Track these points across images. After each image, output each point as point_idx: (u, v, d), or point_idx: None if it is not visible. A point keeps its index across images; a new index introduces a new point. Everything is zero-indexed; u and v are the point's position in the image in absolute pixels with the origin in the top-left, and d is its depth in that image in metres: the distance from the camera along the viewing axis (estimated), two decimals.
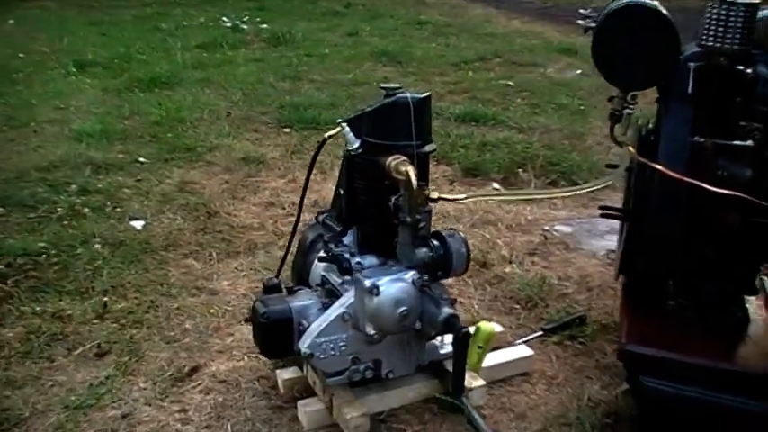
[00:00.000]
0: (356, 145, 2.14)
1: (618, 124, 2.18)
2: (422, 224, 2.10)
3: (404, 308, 2.07)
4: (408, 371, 2.33)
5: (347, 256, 2.19)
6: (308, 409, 2.27)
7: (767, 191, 1.94)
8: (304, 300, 2.23)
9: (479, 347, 2.37)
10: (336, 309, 2.14)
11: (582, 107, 5.87)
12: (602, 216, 2.43)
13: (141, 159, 4.47)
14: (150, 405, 2.37)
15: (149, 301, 2.94)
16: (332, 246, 2.23)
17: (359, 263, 2.18)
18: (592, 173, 4.45)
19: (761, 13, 1.99)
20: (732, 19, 1.95)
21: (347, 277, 2.21)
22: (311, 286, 2.37)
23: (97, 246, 3.36)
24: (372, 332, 2.09)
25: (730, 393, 1.97)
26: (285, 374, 2.43)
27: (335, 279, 2.27)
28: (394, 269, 2.14)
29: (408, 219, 2.06)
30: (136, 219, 3.69)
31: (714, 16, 1.98)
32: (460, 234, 2.23)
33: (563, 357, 2.70)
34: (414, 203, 2.04)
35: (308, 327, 2.15)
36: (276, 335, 2.18)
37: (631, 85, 2.13)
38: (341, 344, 2.15)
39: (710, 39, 1.99)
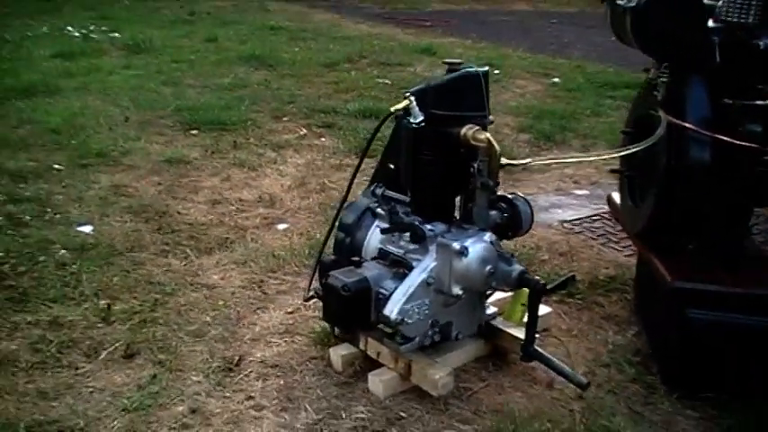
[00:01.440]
0: (421, 118, 2.21)
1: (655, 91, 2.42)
2: (497, 188, 2.21)
3: (490, 266, 2.18)
4: (472, 331, 2.43)
5: (418, 224, 2.25)
6: (383, 378, 2.30)
7: None
8: (375, 270, 2.27)
9: (522, 305, 2.52)
10: (419, 274, 2.20)
11: None
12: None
13: (56, 166, 4.19)
14: (213, 397, 2.29)
15: (152, 300, 2.82)
16: (401, 215, 2.28)
17: (431, 229, 2.25)
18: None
19: None
20: None
21: (415, 246, 2.27)
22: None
23: (62, 252, 3.14)
24: (460, 292, 2.17)
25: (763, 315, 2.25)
26: (341, 351, 2.44)
27: (397, 249, 2.33)
28: (470, 232, 2.24)
29: (490, 182, 2.16)
30: (82, 224, 3.49)
31: None
32: (524, 197, 2.37)
33: (569, 313, 2.92)
34: (496, 167, 2.15)
35: (389, 295, 2.19)
36: (357, 306, 2.20)
37: (667, 57, 2.38)
38: (424, 308, 2.21)
39: (732, 14, 2.28)
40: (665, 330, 2.44)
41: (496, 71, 6.93)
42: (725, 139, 2.21)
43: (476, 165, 2.16)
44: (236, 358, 2.46)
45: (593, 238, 3.65)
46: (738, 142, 2.20)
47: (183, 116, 5.20)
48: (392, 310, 2.15)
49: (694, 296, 2.26)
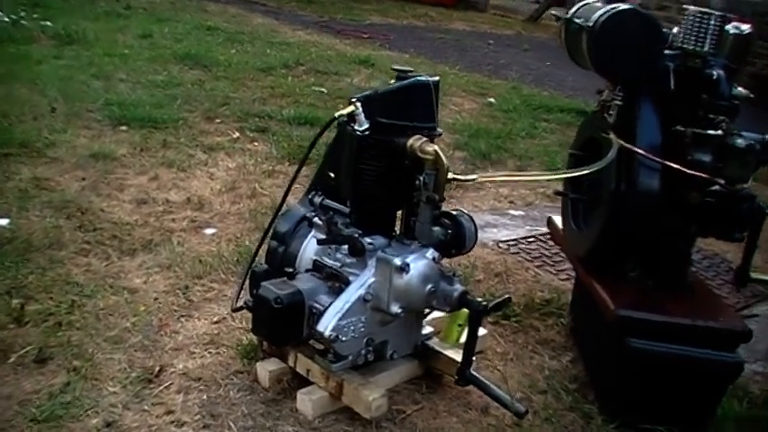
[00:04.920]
0: (366, 126, 2.11)
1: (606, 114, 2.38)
2: (442, 203, 2.12)
3: (431, 285, 2.09)
4: (408, 351, 2.33)
5: (357, 236, 2.15)
6: (312, 397, 2.18)
7: (724, 173, 2.24)
8: (309, 283, 2.15)
9: (459, 326, 2.44)
10: (356, 289, 2.09)
11: None
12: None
13: None
14: (130, 410, 2.13)
15: (68, 302, 2.62)
16: (340, 227, 2.17)
17: (371, 243, 2.15)
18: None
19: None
20: (707, 26, 2.24)
21: (353, 259, 2.17)
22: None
23: None
24: (398, 310, 2.07)
25: (709, 347, 2.23)
26: (269, 366, 2.31)
27: (334, 262, 2.21)
28: (412, 247, 2.14)
29: (436, 197, 2.07)
30: None
31: (691, 23, 2.25)
32: (468, 214, 2.29)
33: (505, 336, 2.85)
34: (443, 182, 2.06)
35: (324, 310, 2.08)
36: (289, 320, 2.08)
37: (621, 79, 2.34)
38: (360, 325, 2.11)
39: (688, 41, 2.25)
40: (605, 359, 2.40)
41: None
42: (675, 167, 2.18)
43: (422, 178, 2.06)
44: (157, 369, 2.31)
45: (529, 260, 3.61)
46: (689, 171, 2.16)
47: (113, 111, 4.97)
48: (326, 326, 2.04)
49: (637, 325, 2.23)
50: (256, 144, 4.92)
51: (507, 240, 3.84)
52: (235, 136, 4.98)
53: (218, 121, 5.27)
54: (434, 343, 2.43)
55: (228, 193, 3.96)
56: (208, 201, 3.81)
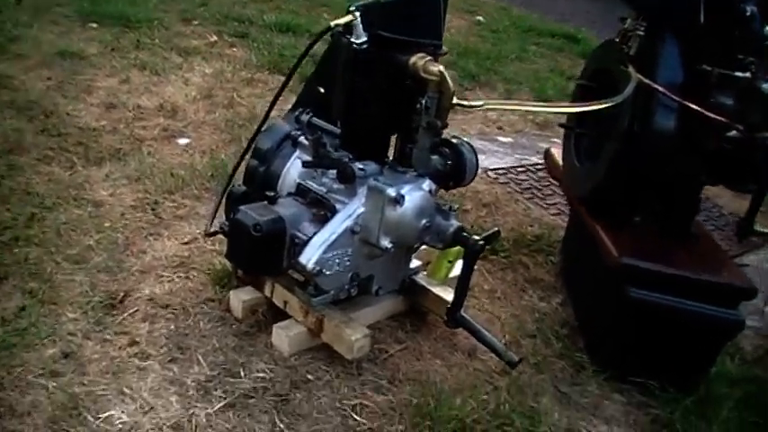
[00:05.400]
0: (364, 38, 1.87)
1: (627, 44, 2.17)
2: (443, 129, 1.92)
3: (426, 219, 1.90)
4: (394, 287, 2.17)
5: (347, 160, 1.94)
6: (290, 333, 2.01)
7: (746, 119, 2.06)
8: (291, 209, 1.95)
9: (449, 262, 2.27)
10: (343, 220, 1.90)
11: None
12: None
13: None
14: (91, 339, 1.95)
15: (27, 215, 2.42)
16: (329, 149, 1.96)
17: (362, 169, 1.95)
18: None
19: None
20: None
21: (340, 185, 1.97)
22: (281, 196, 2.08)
23: None
24: (389, 245, 1.89)
25: (710, 303, 2.09)
26: (243, 295, 2.14)
27: (319, 187, 2.01)
28: (407, 176, 1.95)
29: (438, 123, 1.86)
30: None
31: None
32: (469, 143, 2.09)
33: (493, 272, 2.70)
34: (446, 107, 1.85)
35: (307, 240, 1.89)
36: (268, 249, 1.88)
37: (645, 8, 2.13)
38: (345, 259, 1.93)
39: None
40: (601, 306, 2.26)
41: None
42: (696, 108, 1.99)
43: (423, 101, 1.84)
44: (121, 293, 2.13)
45: (519, 192, 3.44)
46: (709, 114, 1.97)
47: (83, 6, 4.64)
48: (309, 258, 1.85)
49: (639, 274, 2.08)
50: (235, 50, 4.64)
51: (497, 169, 3.66)
52: (212, 40, 4.68)
53: (196, 23, 4.96)
54: (421, 278, 2.27)
55: (204, 101, 3.71)
56: (182, 108, 3.57)
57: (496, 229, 2.44)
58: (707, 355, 2.18)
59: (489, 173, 3.58)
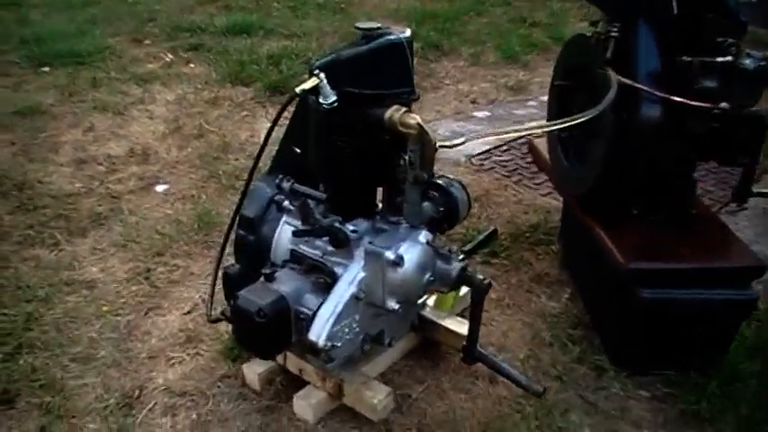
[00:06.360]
0: (333, 98, 1.81)
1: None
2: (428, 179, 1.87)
3: (429, 273, 1.87)
4: (405, 332, 2.15)
5: (338, 225, 1.90)
6: (311, 401, 2.00)
7: (731, 97, 2.02)
8: (291, 283, 1.91)
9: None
10: (345, 289, 1.87)
11: (342, 5, 5.71)
12: None
13: None
14: None
15: (24, 315, 2.37)
16: (317, 216, 1.91)
17: (354, 231, 1.90)
18: None
19: None
20: None
21: (328, 248, 1.93)
22: (275, 264, 2.04)
23: None
24: (396, 306, 1.86)
25: (722, 288, 2.08)
26: (257, 368, 2.11)
27: (314, 251, 1.98)
28: (402, 231, 1.91)
29: (425, 176, 1.82)
30: None
31: None
32: (458, 180, 2.04)
33: (497, 276, 2.68)
34: (430, 157, 1.81)
35: (312, 315, 1.86)
36: (276, 332, 1.85)
37: (618, 10, 2.07)
38: (354, 326, 1.90)
39: None
40: (614, 309, 2.25)
41: None
42: (679, 100, 1.96)
43: (406, 157, 1.80)
44: (136, 390, 2.09)
45: (506, 176, 3.41)
46: (693, 103, 1.94)
47: (32, 50, 4.49)
48: (320, 335, 1.82)
49: (648, 276, 2.07)
50: (192, 66, 4.53)
51: (479, 154, 3.62)
52: (168, 59, 4.58)
53: (148, 42, 4.84)
54: (430, 313, 2.24)
55: (173, 136, 3.64)
56: (152, 149, 3.50)
57: (493, 228, 2.42)
58: (725, 337, 2.18)
59: (473, 160, 3.54)
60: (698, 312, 2.09)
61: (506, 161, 3.52)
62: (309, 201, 1.96)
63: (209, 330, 2.32)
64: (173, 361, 2.21)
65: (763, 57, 2.01)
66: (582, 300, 2.53)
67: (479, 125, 3.97)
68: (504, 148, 3.67)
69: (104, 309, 2.40)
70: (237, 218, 2.07)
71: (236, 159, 3.41)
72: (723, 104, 2.01)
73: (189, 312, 2.41)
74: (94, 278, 2.57)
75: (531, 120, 4.12)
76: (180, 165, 3.36)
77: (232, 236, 2.04)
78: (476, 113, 4.12)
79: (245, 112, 3.95)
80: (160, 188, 3.17)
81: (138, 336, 2.30)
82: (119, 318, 2.37)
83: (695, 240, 2.17)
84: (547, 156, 2.62)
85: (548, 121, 2.55)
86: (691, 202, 2.29)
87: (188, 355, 2.23)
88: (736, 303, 2.10)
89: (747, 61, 1.98)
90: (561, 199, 2.85)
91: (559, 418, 2.04)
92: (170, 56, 4.59)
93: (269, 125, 1.87)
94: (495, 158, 3.55)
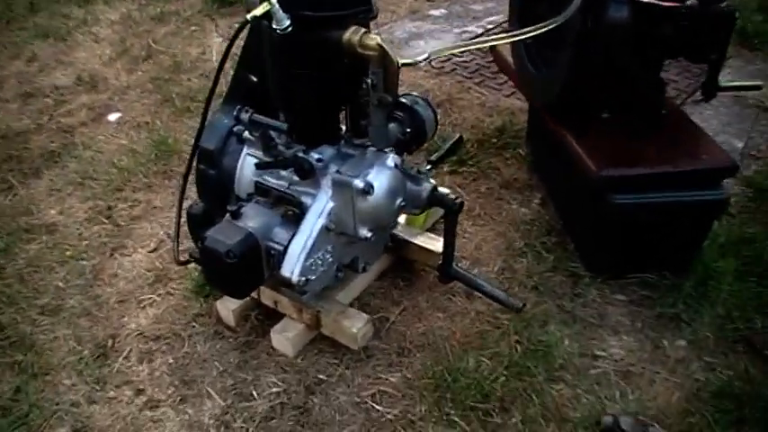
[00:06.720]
0: (287, 23, 1.69)
1: None
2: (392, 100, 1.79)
3: (400, 198, 1.82)
4: (379, 256, 2.11)
5: (302, 154, 1.83)
6: (289, 335, 1.98)
7: None
8: (259, 219, 1.85)
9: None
10: (314, 221, 1.81)
11: None
12: None
13: None
14: (97, 402, 1.90)
15: None
16: (281, 148, 1.84)
17: (320, 159, 1.83)
18: None
19: None
20: None
21: (294, 178, 1.86)
22: (240, 198, 1.98)
23: None
24: (368, 234, 1.82)
25: (695, 189, 2.06)
26: (231, 305, 2.07)
27: (279, 182, 1.90)
28: (369, 156, 1.84)
29: (389, 98, 1.73)
30: None
31: None
32: (423, 98, 1.96)
33: (464, 185, 2.65)
34: (394, 79, 1.72)
35: (284, 249, 1.80)
36: (247, 270, 1.80)
37: None
38: (327, 256, 1.86)
39: None
40: (586, 215, 2.22)
41: None
42: (647, 1, 1.88)
43: (369, 80, 1.71)
44: (109, 338, 2.04)
45: (468, 77, 3.32)
46: (664, 3, 1.87)
47: None
48: (292, 271, 1.78)
49: (620, 182, 2.04)
50: None
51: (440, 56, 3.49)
52: None
53: None
54: (401, 231, 2.21)
55: (121, 59, 3.47)
56: (101, 75, 3.34)
57: (459, 135, 2.36)
58: (697, 236, 2.18)
59: (433, 63, 3.43)
60: (671, 214, 2.08)
61: (467, 62, 3.43)
62: (271, 131, 1.87)
63: (177, 268, 2.25)
64: (143, 303, 2.16)
65: None
66: (553, 205, 2.51)
67: (437, 24, 3.83)
68: (463, 48, 3.55)
69: (68, 254, 2.32)
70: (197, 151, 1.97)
71: (189, 80, 3.27)
72: (691, 2, 1.93)
73: (155, 250, 2.35)
74: (54, 221, 2.48)
75: (490, 15, 4.00)
76: (131, 90, 3.21)
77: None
78: (432, 12, 3.98)
79: (193, 27, 3.77)
80: (112, 117, 3.04)
81: (105, 280, 2.24)
82: (84, 262, 2.30)
83: (666, 142, 2.13)
84: (510, 60, 2.53)
85: (510, 23, 2.45)
86: (660, 102, 2.23)
87: (158, 296, 2.18)
88: (708, 204, 2.09)
89: None
90: (526, 100, 2.78)
91: (539, 331, 2.04)
92: None
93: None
94: (455, 60, 3.45)
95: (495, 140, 2.84)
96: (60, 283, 2.22)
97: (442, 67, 3.37)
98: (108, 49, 3.52)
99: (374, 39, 1.67)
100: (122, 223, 2.45)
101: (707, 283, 2.14)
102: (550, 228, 2.40)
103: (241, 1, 3.99)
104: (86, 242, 2.37)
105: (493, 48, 2.77)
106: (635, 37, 2.02)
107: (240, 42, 1.79)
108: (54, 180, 2.67)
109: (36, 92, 3.18)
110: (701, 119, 2.40)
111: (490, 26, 3.79)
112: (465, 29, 3.75)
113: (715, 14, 2.00)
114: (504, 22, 3.85)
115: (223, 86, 1.92)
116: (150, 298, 2.16)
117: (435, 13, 3.97)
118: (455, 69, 3.35)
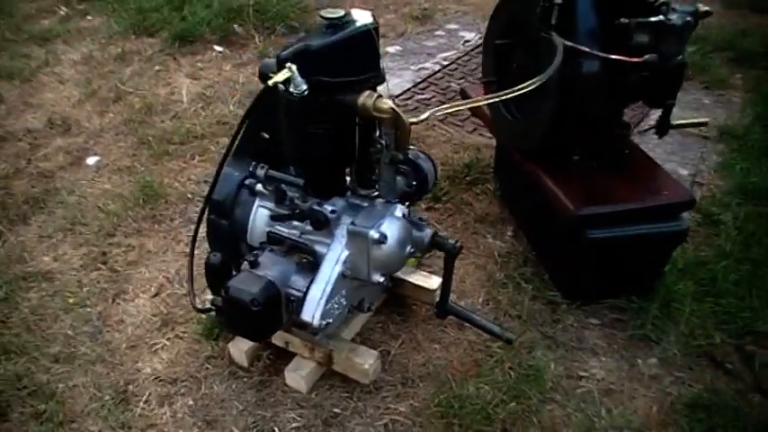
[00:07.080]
0: (304, 87, 1.85)
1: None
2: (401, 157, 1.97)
3: (409, 245, 2.00)
4: (379, 296, 2.28)
5: (317, 207, 1.99)
6: (302, 373, 2.12)
7: (661, 50, 2.21)
8: (276, 267, 1.99)
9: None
10: (332, 268, 1.97)
11: None
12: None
13: None
14: None
15: None
16: (296, 202, 1.99)
17: (333, 210, 1.99)
18: (306, 13, 4.37)
19: None
20: None
21: (306, 228, 2.02)
22: (252, 246, 2.12)
23: None
24: (381, 279, 1.99)
25: (659, 222, 2.32)
26: (243, 346, 2.20)
27: (292, 231, 2.06)
28: (379, 208, 2.01)
29: (400, 156, 1.92)
30: None
31: None
32: (423, 152, 2.15)
33: (443, 221, 2.83)
34: (405, 138, 1.90)
35: (303, 296, 1.96)
36: (269, 317, 1.94)
37: None
38: (342, 300, 2.01)
39: None
40: (561, 248, 2.45)
41: None
42: (618, 57, 2.14)
43: (382, 142, 1.88)
44: (128, 384, 2.13)
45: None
46: (631, 60, 2.12)
47: None
48: (313, 315, 1.93)
49: (595, 219, 2.27)
50: (90, 18, 4.36)
51: (401, 94, 3.69)
52: (63, 12, 4.34)
53: None
54: None
55: (90, 101, 3.54)
56: (72, 118, 3.40)
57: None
58: (660, 263, 2.44)
59: (396, 101, 3.61)
60: (637, 245, 2.32)
61: (428, 99, 3.62)
62: (283, 185, 2.02)
63: (181, 311, 2.36)
64: (155, 348, 2.25)
65: (691, 9, 2.18)
66: (525, 237, 2.72)
67: (394, 62, 4.02)
68: (423, 85, 3.75)
69: (70, 301, 2.40)
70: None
71: (162, 122, 3.36)
72: (651, 57, 2.18)
73: (157, 295, 2.44)
74: (50, 269, 2.54)
75: (443, 51, 4.21)
76: (105, 133, 3.29)
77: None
78: (388, 48, 4.16)
79: (157, 67, 3.85)
80: (91, 161, 3.11)
81: (113, 326, 2.33)
82: (88, 309, 2.38)
83: (631, 180, 2.37)
84: (485, 108, 2.74)
85: (483, 71, 2.66)
86: (624, 143, 2.47)
87: (168, 340, 2.28)
88: (670, 234, 2.34)
89: (674, 17, 2.15)
90: (489, 136, 2.99)
91: (527, 356, 2.23)
92: (63, 8, 4.36)
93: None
94: (417, 97, 3.64)
95: (464, 176, 3.03)
96: (69, 331, 2.29)
97: (406, 104, 3.56)
98: (75, 90, 3.57)
99: (387, 102, 1.85)
100: (119, 269, 2.54)
101: (670, 304, 2.38)
102: (525, 259, 2.61)
103: (200, 39, 4.10)
104: (87, 289, 2.45)
105: (463, 89, 2.97)
106: (605, 86, 2.26)
107: (239, 95, 1.92)
108: (42, 226, 2.73)
109: (8, 135, 3.22)
110: (647, 149, 2.65)
111: (446, 62, 3.99)
112: (422, 65, 3.94)
113: (672, 67, 2.26)
114: (458, 59, 4.07)
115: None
116: (160, 342, 2.26)
117: (391, 50, 4.15)
118: (418, 107, 3.54)
